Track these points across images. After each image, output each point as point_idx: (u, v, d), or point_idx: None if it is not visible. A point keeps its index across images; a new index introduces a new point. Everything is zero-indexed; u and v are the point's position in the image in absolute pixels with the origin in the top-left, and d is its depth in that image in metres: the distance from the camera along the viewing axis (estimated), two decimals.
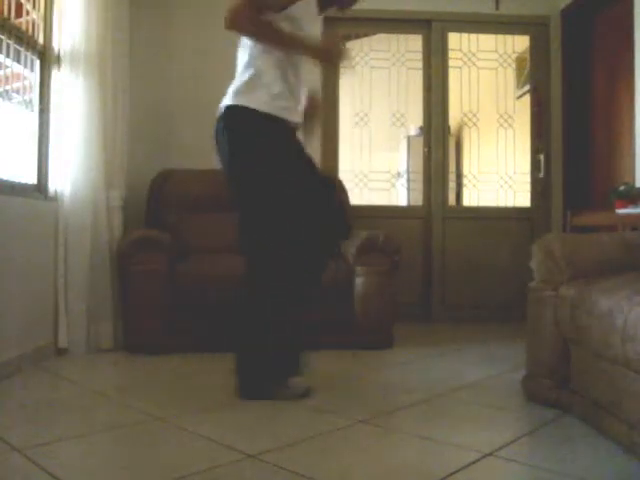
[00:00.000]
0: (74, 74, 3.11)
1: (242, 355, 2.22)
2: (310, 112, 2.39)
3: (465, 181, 4.69)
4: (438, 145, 4.43)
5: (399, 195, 4.83)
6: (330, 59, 2.28)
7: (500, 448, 1.73)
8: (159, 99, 4.03)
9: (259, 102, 2.14)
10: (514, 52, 4.56)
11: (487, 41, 4.55)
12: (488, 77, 4.57)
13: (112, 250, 3.22)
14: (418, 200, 4.52)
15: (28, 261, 2.76)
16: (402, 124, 4.61)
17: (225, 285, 3.13)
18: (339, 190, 2.53)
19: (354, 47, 4.53)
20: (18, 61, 2.86)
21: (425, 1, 4.36)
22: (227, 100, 2.20)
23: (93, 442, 1.81)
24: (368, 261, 3.24)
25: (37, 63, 3.05)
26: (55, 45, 3.13)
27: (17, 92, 2.96)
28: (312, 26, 2.26)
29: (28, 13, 2.99)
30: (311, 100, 2.41)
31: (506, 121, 4.55)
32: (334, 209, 2.29)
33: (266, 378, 2.22)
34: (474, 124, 4.61)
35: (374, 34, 4.59)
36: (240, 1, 2.02)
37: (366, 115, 4.53)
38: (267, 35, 2.13)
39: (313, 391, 2.27)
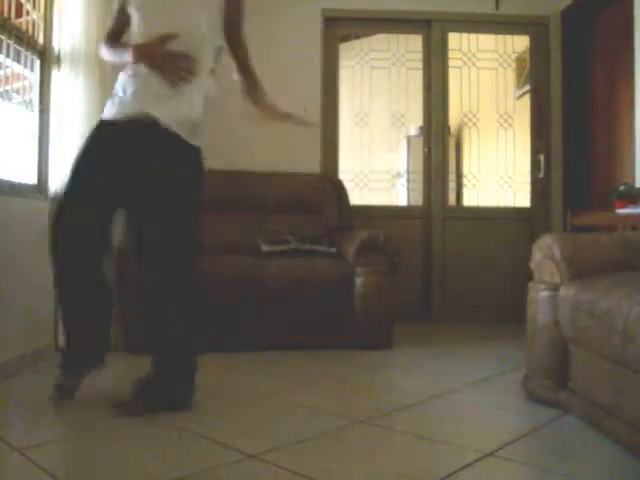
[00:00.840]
0: (74, 74, 3.11)
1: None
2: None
3: (465, 181, 4.69)
4: (438, 145, 4.43)
5: (399, 195, 4.83)
6: (149, 61, 2.05)
7: (500, 448, 1.73)
8: None
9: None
10: (514, 52, 4.56)
11: (487, 41, 4.55)
12: (488, 77, 4.57)
13: (112, 250, 3.21)
14: (418, 200, 4.52)
15: (28, 261, 2.76)
16: (402, 124, 4.61)
17: (225, 284, 3.14)
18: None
19: (354, 47, 4.54)
20: (18, 61, 2.86)
21: (425, 1, 4.36)
22: None
23: (93, 442, 1.81)
24: (368, 261, 3.24)
25: (37, 63, 3.04)
26: (55, 45, 3.13)
27: (17, 92, 2.96)
28: (165, 15, 2.09)
29: (28, 13, 2.99)
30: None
31: (506, 121, 4.55)
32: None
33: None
34: (474, 124, 4.61)
35: (374, 34, 4.59)
36: None
37: (366, 115, 4.53)
38: (111, 56, 2.26)
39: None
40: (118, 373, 2.93)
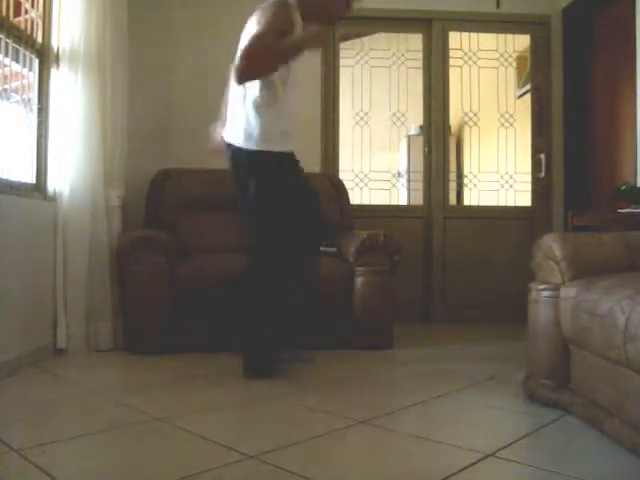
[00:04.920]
0: (73, 73, 3.10)
1: (250, 335, 2.58)
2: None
3: (466, 180, 4.68)
4: (438, 144, 4.42)
5: (399, 195, 4.82)
6: (319, 44, 2.70)
7: (501, 449, 1.72)
8: (158, 98, 4.02)
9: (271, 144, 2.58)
10: (515, 51, 4.55)
11: (488, 40, 4.54)
12: (489, 76, 4.56)
13: (111, 250, 3.22)
14: (418, 200, 4.50)
15: (27, 261, 2.76)
16: (402, 124, 4.60)
17: (225, 284, 3.13)
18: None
19: (354, 46, 4.53)
20: (17, 60, 2.85)
21: (425, 0, 4.35)
22: (247, 143, 2.57)
23: (92, 442, 1.80)
24: (368, 261, 3.23)
25: (36, 62, 3.04)
26: (54, 44, 3.12)
27: (16, 91, 2.95)
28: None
29: (27, 12, 2.98)
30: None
31: (507, 120, 4.54)
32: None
33: (268, 357, 2.60)
34: (475, 123, 4.60)
35: (374, 33, 4.58)
36: (259, 44, 2.35)
37: (366, 115, 4.52)
38: (279, 58, 2.43)
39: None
40: (118, 373, 2.93)
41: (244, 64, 2.33)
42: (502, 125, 4.55)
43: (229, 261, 3.27)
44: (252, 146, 2.56)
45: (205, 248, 3.43)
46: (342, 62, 4.42)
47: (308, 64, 4.20)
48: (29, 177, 2.99)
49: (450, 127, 4.58)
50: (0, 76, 2.75)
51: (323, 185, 3.95)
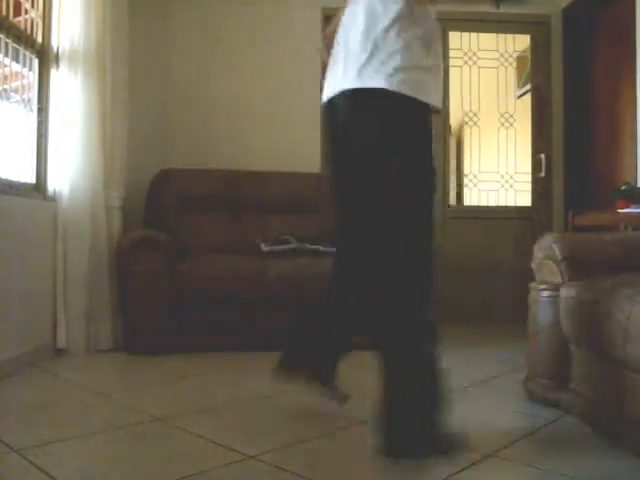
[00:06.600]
0: (73, 73, 3.10)
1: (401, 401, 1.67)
2: None
3: (466, 181, 4.68)
4: (439, 144, 4.41)
5: None
6: None
7: (501, 449, 1.72)
8: (158, 98, 4.02)
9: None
10: (515, 51, 4.55)
11: (488, 40, 4.53)
12: (489, 76, 4.55)
13: (111, 250, 3.22)
14: None
15: (27, 261, 2.75)
16: None
17: (225, 284, 3.13)
18: None
19: None
20: (17, 60, 2.85)
21: None
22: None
23: (92, 443, 1.80)
24: None
25: (36, 62, 3.04)
26: (54, 44, 3.12)
27: (16, 91, 2.95)
28: None
29: (27, 12, 2.98)
30: None
31: (507, 120, 4.54)
32: None
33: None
34: (475, 123, 4.60)
35: None
36: None
37: None
38: None
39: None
40: (117, 373, 2.93)
41: None
42: (502, 125, 4.54)
43: (228, 261, 3.27)
44: None
45: (205, 248, 3.43)
46: None
47: (308, 64, 4.24)
48: (29, 177, 2.99)
49: (450, 127, 4.57)
50: (0, 76, 2.74)
51: (322, 185, 3.96)
